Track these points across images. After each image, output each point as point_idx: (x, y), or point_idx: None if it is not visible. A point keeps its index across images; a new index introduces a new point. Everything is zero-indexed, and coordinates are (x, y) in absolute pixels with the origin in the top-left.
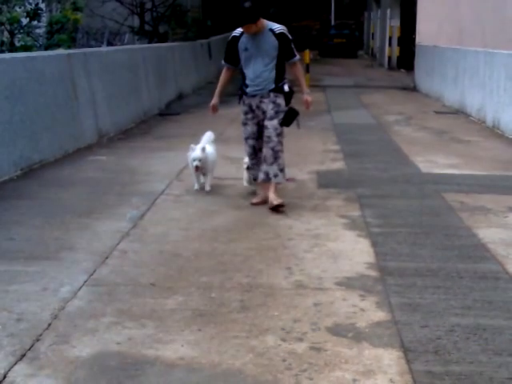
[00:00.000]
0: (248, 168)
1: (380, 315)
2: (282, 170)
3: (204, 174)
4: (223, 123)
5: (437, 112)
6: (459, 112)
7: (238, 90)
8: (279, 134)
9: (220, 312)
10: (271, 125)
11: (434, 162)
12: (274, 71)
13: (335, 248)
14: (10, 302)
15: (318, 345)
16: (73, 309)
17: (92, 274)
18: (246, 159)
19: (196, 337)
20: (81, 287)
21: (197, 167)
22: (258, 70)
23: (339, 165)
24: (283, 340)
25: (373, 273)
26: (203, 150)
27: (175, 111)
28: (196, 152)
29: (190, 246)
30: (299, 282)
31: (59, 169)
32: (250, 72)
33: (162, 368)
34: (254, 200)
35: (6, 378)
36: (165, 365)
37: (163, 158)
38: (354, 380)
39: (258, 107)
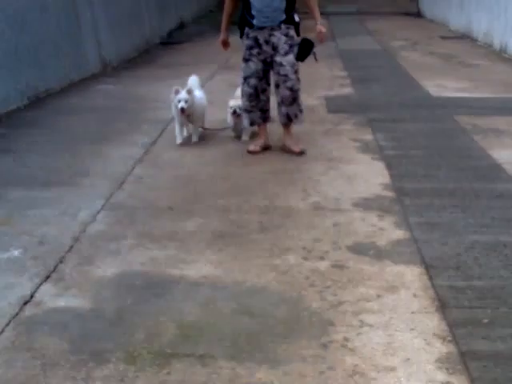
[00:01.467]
0: (248, 111)
1: (399, 234)
2: (301, 111)
3: (191, 122)
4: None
5: (442, 37)
6: (465, 37)
7: (238, 21)
8: (296, 71)
9: (240, 233)
10: (287, 61)
11: (443, 86)
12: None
13: (350, 170)
14: (30, 226)
15: (340, 263)
16: (93, 232)
17: (109, 199)
18: (232, 102)
19: (218, 257)
20: (99, 211)
21: (182, 109)
22: None
23: (347, 90)
24: (305, 259)
25: (389, 194)
26: (189, 91)
27: (177, 40)
28: (182, 93)
29: (204, 170)
30: (316, 204)
31: (66, 97)
32: (256, 1)
33: (187, 286)
34: (252, 147)
35: (33, 298)
36: (189, 283)
37: (170, 86)
38: (378, 295)
39: (266, 42)
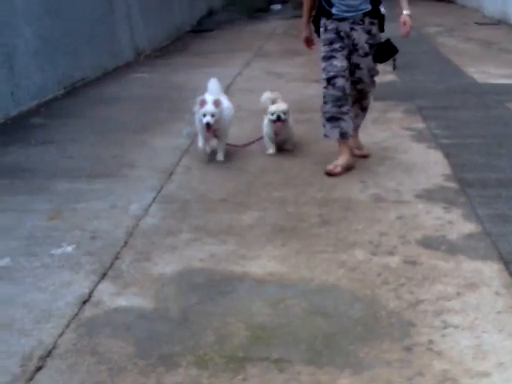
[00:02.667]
0: (337, 119)
1: (470, 227)
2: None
3: (216, 137)
4: (260, 38)
5: (477, 23)
6: (501, 22)
7: (314, 12)
8: (373, 75)
9: (300, 227)
10: (365, 64)
11: (487, 73)
12: None
13: (407, 160)
14: (81, 221)
15: (412, 258)
16: (147, 226)
17: (160, 191)
18: (274, 107)
19: (281, 252)
20: (151, 204)
21: (208, 125)
22: None
23: (390, 77)
24: (373, 254)
25: (452, 184)
26: (217, 102)
27: (208, 27)
28: (208, 105)
29: (254, 161)
30: (376, 196)
31: (102, 86)
32: None
33: (253, 284)
34: (332, 167)
35: (92, 298)
36: (255, 281)
37: (207, 74)
38: (458, 293)
39: (347, 36)
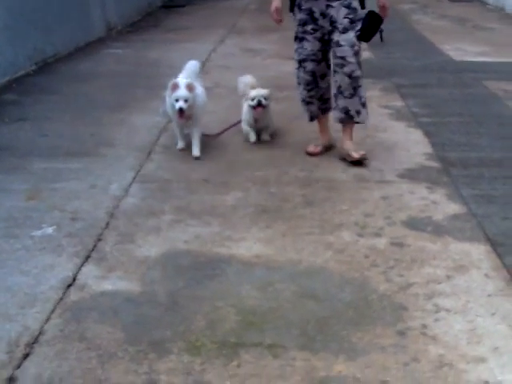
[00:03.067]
0: (307, 102)
1: (454, 208)
2: (364, 105)
3: (189, 127)
4: (233, 14)
5: (451, 0)
6: (474, 0)
7: None
8: (357, 53)
9: (284, 207)
10: (346, 40)
11: (463, 50)
12: None
13: (388, 139)
14: (60, 201)
15: (398, 240)
16: (128, 206)
17: (139, 171)
18: (254, 92)
19: (266, 234)
20: (131, 184)
21: (181, 111)
22: None
23: (366, 54)
24: (360, 235)
25: (434, 164)
26: (190, 86)
27: (180, 3)
28: (181, 89)
29: (234, 139)
30: (360, 176)
31: (75, 62)
32: None
33: (240, 267)
34: (311, 148)
35: (77, 281)
36: (242, 263)
37: (182, 50)
38: (448, 276)
39: (322, 14)
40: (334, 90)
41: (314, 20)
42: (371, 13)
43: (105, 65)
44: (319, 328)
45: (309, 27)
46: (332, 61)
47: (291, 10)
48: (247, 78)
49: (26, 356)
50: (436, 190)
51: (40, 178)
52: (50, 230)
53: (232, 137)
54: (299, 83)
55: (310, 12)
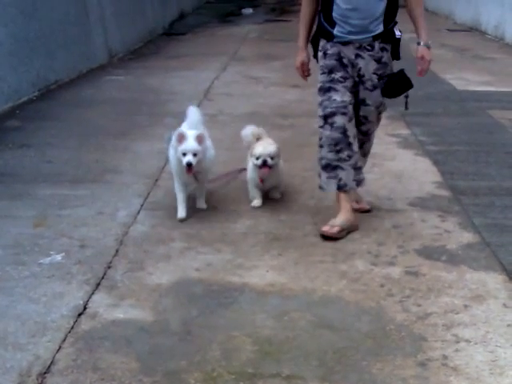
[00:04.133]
0: (333, 167)
1: (468, 236)
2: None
3: (197, 180)
4: (233, 42)
5: (450, 30)
6: (473, 29)
7: (313, 30)
8: (380, 113)
9: (295, 236)
10: (373, 99)
11: (465, 80)
12: (385, 1)
13: (396, 168)
14: (68, 228)
15: (413, 269)
16: (137, 234)
17: (147, 198)
18: (260, 149)
19: (279, 262)
20: (139, 211)
21: (190, 166)
22: None
23: None
24: (374, 264)
25: (444, 192)
26: (200, 138)
27: (180, 31)
28: (189, 141)
29: (240, 166)
30: (369, 204)
31: (77, 89)
32: None
33: (254, 295)
34: (327, 228)
35: (88, 309)
36: (255, 292)
37: (183, 77)
38: (466, 306)
39: (351, 64)
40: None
41: (344, 66)
42: (401, 75)
43: (107, 91)
44: (338, 358)
45: (338, 75)
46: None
47: (315, 55)
48: (251, 129)
49: None
50: (448, 218)
51: (46, 205)
52: (58, 258)
53: (238, 165)
54: (321, 145)
55: (339, 57)
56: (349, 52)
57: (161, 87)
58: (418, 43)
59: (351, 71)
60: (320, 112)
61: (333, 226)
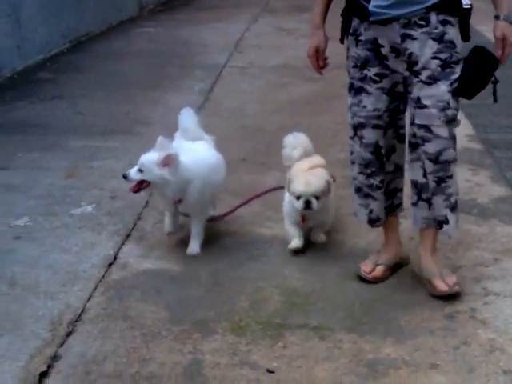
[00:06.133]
0: (364, 195)
1: (499, 190)
2: (454, 208)
3: (183, 213)
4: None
5: None
6: None
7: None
8: (451, 121)
9: None
10: (434, 97)
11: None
12: None
13: None
14: (98, 179)
15: None
16: None
17: None
18: (301, 186)
19: None
20: None
21: (125, 178)
22: None
23: None
24: (404, 217)
25: (477, 146)
26: (167, 160)
27: None
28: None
29: (270, 119)
30: None
31: (108, 41)
32: None
33: (282, 247)
34: (367, 268)
35: (118, 260)
36: (284, 244)
37: (214, 29)
38: (495, 259)
39: (395, 50)
40: (410, 176)
41: (381, 59)
42: (480, 50)
43: (137, 43)
44: (365, 310)
45: (371, 71)
46: (408, 130)
47: (341, 40)
48: (297, 139)
49: (69, 334)
50: (480, 172)
51: (77, 156)
52: (89, 209)
53: (267, 116)
54: (353, 161)
55: (375, 46)
56: (392, 34)
57: (191, 39)
58: (496, 17)
59: (393, 63)
60: (349, 119)
61: (373, 266)
